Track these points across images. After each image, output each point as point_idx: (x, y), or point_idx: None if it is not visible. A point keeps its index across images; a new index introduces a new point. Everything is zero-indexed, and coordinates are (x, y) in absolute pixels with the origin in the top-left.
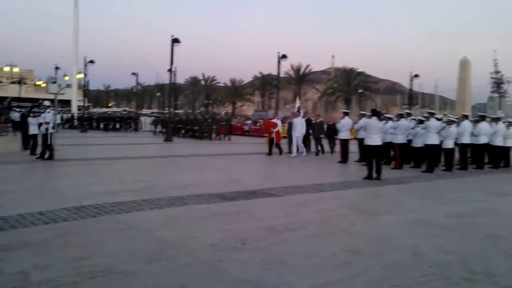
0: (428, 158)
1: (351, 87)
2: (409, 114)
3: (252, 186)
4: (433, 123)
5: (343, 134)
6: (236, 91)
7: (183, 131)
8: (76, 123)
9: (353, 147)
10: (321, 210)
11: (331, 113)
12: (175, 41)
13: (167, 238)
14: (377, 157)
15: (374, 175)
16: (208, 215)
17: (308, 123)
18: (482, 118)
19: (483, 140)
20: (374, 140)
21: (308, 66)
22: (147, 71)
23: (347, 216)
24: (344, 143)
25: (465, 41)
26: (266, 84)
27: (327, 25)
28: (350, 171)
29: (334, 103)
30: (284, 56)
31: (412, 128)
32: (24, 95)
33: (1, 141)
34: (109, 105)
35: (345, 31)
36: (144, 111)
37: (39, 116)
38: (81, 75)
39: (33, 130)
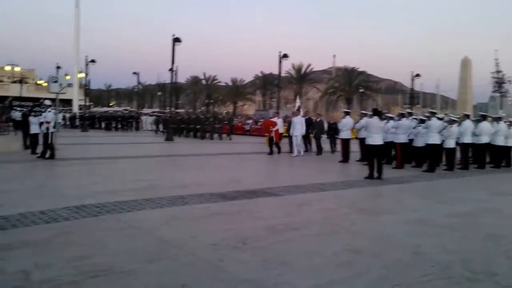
0: (430, 158)
1: (352, 86)
2: (410, 114)
3: (253, 185)
4: (434, 122)
5: (344, 134)
6: (237, 91)
7: (185, 131)
8: (78, 122)
9: (354, 147)
10: (322, 210)
11: (332, 112)
12: (176, 40)
13: (168, 237)
14: (378, 157)
15: (375, 174)
16: (209, 214)
17: (309, 122)
18: (484, 117)
19: (484, 139)
20: (376, 139)
21: (309, 65)
22: (148, 70)
23: (348, 215)
24: (345, 142)
25: (467, 40)
26: (267, 84)
27: (328, 24)
28: (351, 171)
29: (335, 103)
30: (285, 56)
31: (414, 128)
32: (25, 94)
33: (2, 140)
34: (110, 104)
35: (346, 31)
36: (145, 110)
37: (40, 115)
38: (82, 75)
39: (34, 129)
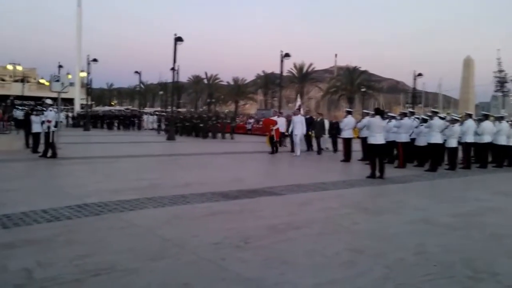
0: (432, 157)
1: (354, 86)
2: (412, 113)
3: (255, 184)
4: (436, 122)
5: (346, 133)
6: (238, 90)
7: (187, 130)
8: (81, 121)
9: (356, 146)
10: (324, 209)
11: (334, 111)
12: (178, 39)
13: (170, 236)
14: (380, 156)
15: (377, 174)
16: (211, 213)
17: (309, 122)
18: (486, 117)
19: (486, 139)
20: (377, 139)
21: (311, 64)
22: (150, 69)
23: (350, 215)
24: (347, 142)
25: (469, 40)
26: (269, 83)
27: (330, 24)
28: (353, 170)
29: (337, 102)
30: (287, 55)
31: (416, 127)
32: (27, 93)
33: (5, 139)
34: (112, 103)
35: (348, 30)
36: (147, 109)
37: (42, 114)
38: (84, 74)
39: (36, 128)
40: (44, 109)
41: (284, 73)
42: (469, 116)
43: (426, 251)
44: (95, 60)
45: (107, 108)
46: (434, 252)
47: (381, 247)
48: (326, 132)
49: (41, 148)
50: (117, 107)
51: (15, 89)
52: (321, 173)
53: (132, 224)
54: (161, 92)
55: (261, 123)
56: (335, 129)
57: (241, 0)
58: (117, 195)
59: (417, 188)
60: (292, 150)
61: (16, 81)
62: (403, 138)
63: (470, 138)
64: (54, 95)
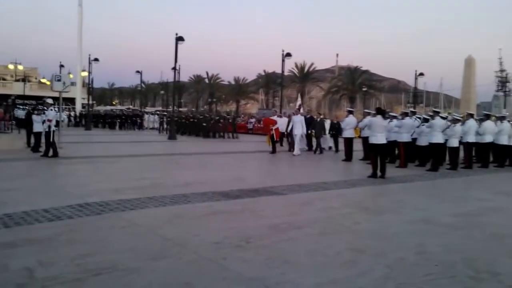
0: (433, 157)
1: (356, 85)
2: (413, 113)
3: (256, 184)
4: (438, 121)
5: (348, 133)
6: (240, 89)
7: (189, 129)
8: (83, 121)
9: (357, 146)
10: (325, 209)
11: (336, 111)
12: (180, 39)
13: (171, 235)
14: (381, 156)
15: (379, 173)
16: (212, 213)
17: (309, 121)
18: (487, 116)
19: (488, 138)
20: (379, 138)
21: (312, 64)
22: (151, 69)
23: (352, 214)
24: (348, 141)
25: (470, 39)
26: (270, 82)
27: (331, 23)
28: (354, 170)
29: (339, 102)
30: (288, 54)
31: (417, 127)
32: (28, 92)
33: (6, 138)
34: (113, 103)
35: (349, 30)
36: (148, 109)
37: (43, 114)
38: (85, 73)
39: (37, 127)
40: (45, 108)
41: (286, 73)
42: (471, 116)
43: (427, 251)
44: (96, 59)
45: (108, 107)
46: (435, 252)
47: (382, 247)
48: (327, 131)
49: (43, 148)
50: (118, 107)
51: (17, 89)
52: (323, 172)
53: (133, 223)
54: (162, 92)
55: (262, 122)
56: (336, 129)
57: (242, 0)
58: (118, 194)
59: (418, 187)
60: (290, 150)
61: (17, 80)
62: (405, 137)
63: (471, 138)
64: (56, 94)
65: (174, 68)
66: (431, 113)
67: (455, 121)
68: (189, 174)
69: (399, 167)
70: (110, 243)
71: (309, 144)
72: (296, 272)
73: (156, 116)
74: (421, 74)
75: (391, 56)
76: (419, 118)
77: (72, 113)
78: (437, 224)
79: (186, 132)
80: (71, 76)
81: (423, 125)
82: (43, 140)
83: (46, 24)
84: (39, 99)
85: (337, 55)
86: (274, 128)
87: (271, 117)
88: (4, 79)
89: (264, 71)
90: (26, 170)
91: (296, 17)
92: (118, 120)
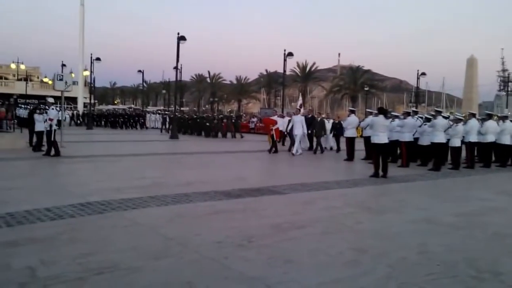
0: (435, 156)
1: (357, 85)
2: (415, 112)
3: (257, 183)
4: (440, 121)
5: (349, 132)
6: (241, 89)
7: (191, 130)
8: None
9: (359, 145)
10: (328, 208)
11: (337, 110)
12: (181, 39)
13: (172, 235)
14: (383, 155)
15: (381, 173)
16: (214, 212)
17: (309, 122)
18: (489, 116)
19: (490, 138)
20: (381, 138)
21: (314, 63)
22: (153, 68)
23: (354, 214)
24: (350, 141)
25: (473, 39)
26: (272, 82)
27: (333, 23)
28: (356, 169)
29: (340, 101)
30: (290, 54)
31: (419, 126)
32: (30, 92)
33: (8, 137)
34: (115, 102)
35: (351, 29)
36: (150, 108)
37: (45, 113)
38: (87, 73)
39: (39, 127)
40: (47, 107)
41: (287, 72)
42: (473, 115)
43: (429, 251)
44: (98, 59)
45: (110, 107)
46: (437, 251)
47: (384, 246)
48: (327, 131)
49: (45, 147)
50: (120, 106)
51: (19, 88)
52: (324, 172)
53: (135, 222)
54: (164, 91)
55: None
56: (337, 129)
57: (241, 0)
58: (120, 193)
59: (420, 187)
60: (290, 150)
61: (19, 79)
62: (407, 137)
63: (473, 138)
64: (58, 93)
65: (176, 68)
66: (433, 113)
67: (457, 120)
68: (191, 174)
69: (401, 167)
70: (112, 242)
71: (310, 144)
72: (298, 272)
73: (158, 115)
74: (423, 73)
75: (391, 56)
76: (421, 117)
77: (75, 112)
78: (439, 224)
79: (188, 132)
80: (73, 75)
81: (425, 124)
82: (45, 139)
83: (46, 24)
84: (41, 98)
85: (339, 54)
86: (274, 128)
87: (271, 117)
88: (6, 79)
89: (266, 70)
90: (28, 169)
91: (295, 17)
92: (121, 120)
